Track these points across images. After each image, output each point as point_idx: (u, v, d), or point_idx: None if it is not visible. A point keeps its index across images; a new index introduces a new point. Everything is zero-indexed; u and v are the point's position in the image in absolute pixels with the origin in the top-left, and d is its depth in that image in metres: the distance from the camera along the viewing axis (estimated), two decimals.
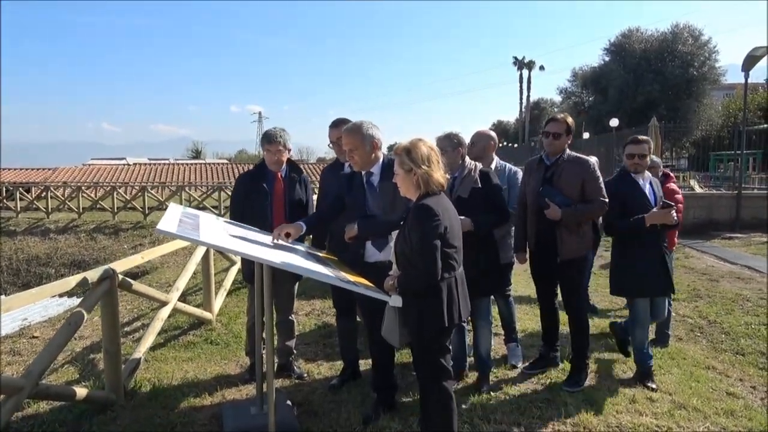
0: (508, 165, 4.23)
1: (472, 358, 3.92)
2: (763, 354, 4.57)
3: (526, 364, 4.13)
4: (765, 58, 12.90)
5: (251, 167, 3.99)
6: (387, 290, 2.63)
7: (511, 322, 4.36)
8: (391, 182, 3.00)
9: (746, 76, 13.14)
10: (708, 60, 26.75)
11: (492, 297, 4.03)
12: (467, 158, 3.62)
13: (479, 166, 3.62)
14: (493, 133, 4.29)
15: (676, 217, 3.66)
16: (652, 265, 3.70)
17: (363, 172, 3.21)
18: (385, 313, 2.75)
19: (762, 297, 6.35)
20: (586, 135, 26.22)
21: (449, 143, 3.54)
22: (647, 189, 3.77)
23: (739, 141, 14.25)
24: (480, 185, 3.48)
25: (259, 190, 3.77)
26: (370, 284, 2.80)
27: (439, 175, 2.61)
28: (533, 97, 55.30)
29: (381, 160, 3.22)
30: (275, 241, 3.04)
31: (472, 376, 3.87)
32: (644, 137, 3.83)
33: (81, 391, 3.23)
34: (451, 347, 2.81)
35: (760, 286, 6.92)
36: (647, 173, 3.86)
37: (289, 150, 3.84)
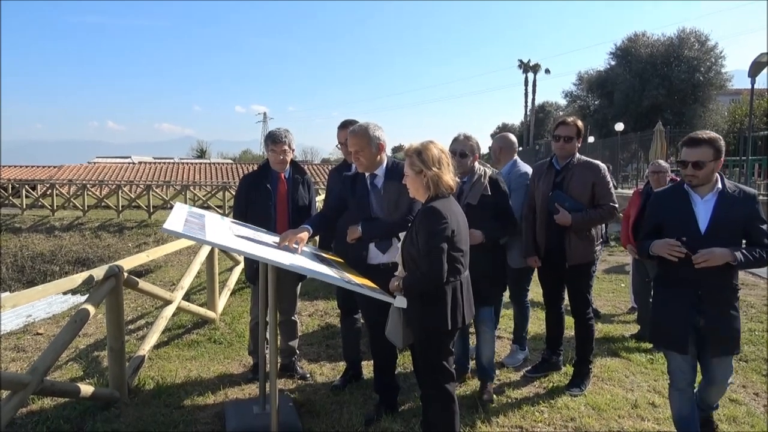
0: (517, 167, 4.18)
1: (475, 361, 3.92)
2: (766, 361, 4.56)
3: (529, 367, 4.14)
4: None
5: (255, 167, 4.00)
6: (392, 291, 2.64)
7: (522, 329, 4.38)
8: (395, 183, 3.01)
9: (753, 82, 13.13)
10: (714, 65, 26.66)
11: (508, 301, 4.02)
12: (476, 164, 3.58)
13: (488, 171, 3.58)
14: (508, 136, 4.27)
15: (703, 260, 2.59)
16: (676, 310, 2.78)
17: (367, 174, 3.22)
18: (390, 313, 2.76)
19: (765, 303, 6.33)
20: (591, 139, 26.20)
21: (468, 147, 3.51)
22: (704, 209, 2.71)
23: (744, 147, 14.19)
24: (489, 193, 3.46)
25: (262, 191, 3.78)
26: (375, 286, 2.81)
27: (449, 177, 2.61)
28: (538, 101, 55.14)
29: (385, 162, 3.23)
30: (283, 244, 2.99)
31: (475, 379, 3.87)
32: (707, 135, 2.69)
33: (85, 388, 3.25)
34: (453, 350, 2.81)
35: (764, 293, 6.89)
36: (722, 185, 2.73)
37: (293, 150, 3.85)
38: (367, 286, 2.74)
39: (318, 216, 3.50)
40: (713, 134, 2.71)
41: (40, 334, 5.64)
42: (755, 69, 12.71)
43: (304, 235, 3.05)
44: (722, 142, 2.70)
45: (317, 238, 4.16)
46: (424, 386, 2.77)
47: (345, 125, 3.81)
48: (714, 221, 2.68)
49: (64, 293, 9.19)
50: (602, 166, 3.72)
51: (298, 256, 2.86)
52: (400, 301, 2.58)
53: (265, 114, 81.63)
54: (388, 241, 3.19)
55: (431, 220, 2.50)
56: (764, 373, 4.31)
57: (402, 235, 2.79)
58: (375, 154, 3.15)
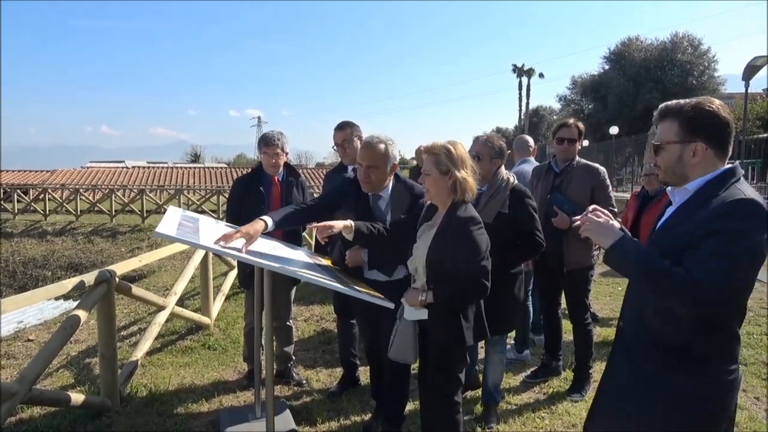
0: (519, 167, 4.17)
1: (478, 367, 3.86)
2: (765, 364, 4.53)
3: (528, 372, 4.10)
4: (765, 68, 12.95)
5: (249, 171, 3.96)
6: (412, 305, 2.46)
7: (525, 328, 4.36)
8: (405, 191, 2.88)
9: (746, 86, 13.21)
10: (707, 69, 26.91)
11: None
12: (501, 170, 3.17)
13: (513, 181, 3.13)
14: (521, 138, 4.24)
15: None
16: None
17: (370, 195, 2.93)
18: (398, 331, 2.55)
19: (763, 306, 6.31)
20: (585, 142, 26.34)
21: (485, 150, 3.13)
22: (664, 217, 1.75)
23: (738, 150, 14.25)
24: (507, 210, 3.02)
25: (255, 194, 3.72)
26: (373, 291, 2.74)
27: (473, 183, 2.44)
28: (532, 105, 55.31)
29: (391, 183, 2.96)
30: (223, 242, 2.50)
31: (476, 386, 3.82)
32: (681, 102, 1.64)
33: (76, 397, 3.18)
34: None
35: (761, 296, 6.87)
36: (705, 183, 1.60)
37: (287, 153, 3.80)
38: (365, 292, 2.67)
39: (302, 209, 2.97)
40: (697, 99, 1.62)
41: (31, 340, 5.54)
42: (749, 72, 12.79)
43: (257, 229, 2.57)
44: (711, 107, 1.58)
45: (312, 242, 4.09)
46: (431, 394, 2.63)
47: (342, 126, 3.76)
48: (653, 234, 1.74)
49: (57, 299, 9.10)
50: (602, 169, 3.70)
51: (295, 261, 2.80)
52: (419, 314, 2.44)
53: (259, 118, 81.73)
54: (394, 266, 2.94)
55: (476, 231, 2.33)
56: (764, 377, 4.28)
57: (421, 243, 2.50)
58: (387, 175, 2.87)
